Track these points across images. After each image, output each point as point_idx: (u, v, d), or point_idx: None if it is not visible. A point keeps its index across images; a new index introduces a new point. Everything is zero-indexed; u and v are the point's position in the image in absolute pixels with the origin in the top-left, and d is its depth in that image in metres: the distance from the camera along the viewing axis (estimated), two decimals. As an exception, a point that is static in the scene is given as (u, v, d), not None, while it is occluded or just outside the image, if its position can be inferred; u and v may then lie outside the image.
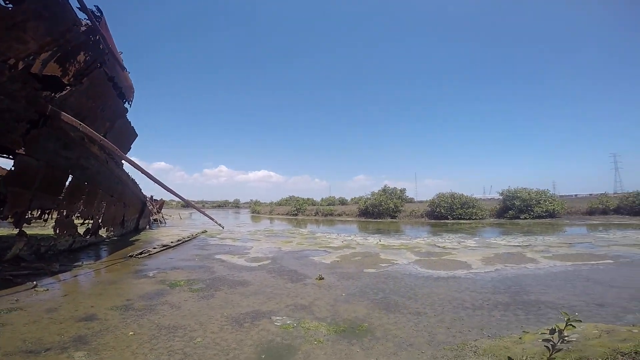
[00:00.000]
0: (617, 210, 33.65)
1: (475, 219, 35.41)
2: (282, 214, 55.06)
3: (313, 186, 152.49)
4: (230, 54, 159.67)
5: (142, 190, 23.16)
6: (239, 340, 4.65)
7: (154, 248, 13.88)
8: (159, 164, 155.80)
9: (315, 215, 49.36)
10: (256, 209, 68.97)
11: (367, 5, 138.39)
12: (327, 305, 6.30)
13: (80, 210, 13.78)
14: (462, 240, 17.36)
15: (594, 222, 29.37)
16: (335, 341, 4.59)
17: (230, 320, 5.51)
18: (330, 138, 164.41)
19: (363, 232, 24.71)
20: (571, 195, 62.67)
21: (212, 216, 29.04)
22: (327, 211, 49.44)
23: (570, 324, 3.11)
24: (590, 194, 56.84)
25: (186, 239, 17.91)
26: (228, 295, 7.06)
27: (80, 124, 9.01)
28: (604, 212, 34.09)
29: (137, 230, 23.57)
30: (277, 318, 5.57)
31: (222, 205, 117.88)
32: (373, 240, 17.74)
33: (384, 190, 43.82)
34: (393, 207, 40.58)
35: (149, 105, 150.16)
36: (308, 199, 64.26)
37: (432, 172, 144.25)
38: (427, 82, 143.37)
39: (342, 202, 66.95)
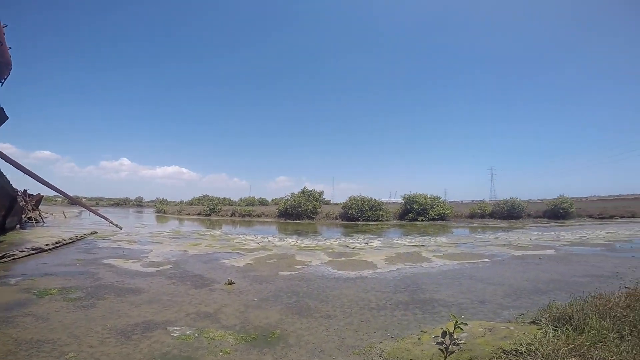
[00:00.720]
0: (492, 215, 40.63)
1: (382, 220, 38.43)
2: (194, 215, 51.11)
3: (231, 185, 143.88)
4: (146, 36, 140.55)
5: (11, 183, 19.16)
6: (125, 355, 4.02)
7: (22, 251, 11.49)
8: (43, 152, 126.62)
9: (231, 216, 47.12)
10: (162, 209, 62.34)
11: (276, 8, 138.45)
12: (237, 312, 5.91)
13: None
14: (370, 240, 18.55)
15: (475, 224, 34.62)
16: (244, 351, 4.28)
17: (115, 332, 4.76)
18: (252, 136, 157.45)
19: (282, 233, 24.57)
20: (458, 201, 73.25)
21: (106, 215, 25.32)
22: (245, 212, 47.67)
23: (458, 326, 3.43)
24: (472, 200, 67.70)
25: (68, 241, 15.18)
26: (114, 305, 6.13)
27: None
28: (482, 216, 40.74)
29: (3, 230, 19.40)
30: (175, 328, 4.98)
31: (121, 203, 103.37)
32: (290, 241, 17.70)
33: (304, 192, 44.41)
34: (311, 208, 41.43)
35: (34, 84, 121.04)
36: (224, 198, 60.89)
37: (347, 177, 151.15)
38: (338, 96, 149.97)
39: (263, 202, 65.33)
